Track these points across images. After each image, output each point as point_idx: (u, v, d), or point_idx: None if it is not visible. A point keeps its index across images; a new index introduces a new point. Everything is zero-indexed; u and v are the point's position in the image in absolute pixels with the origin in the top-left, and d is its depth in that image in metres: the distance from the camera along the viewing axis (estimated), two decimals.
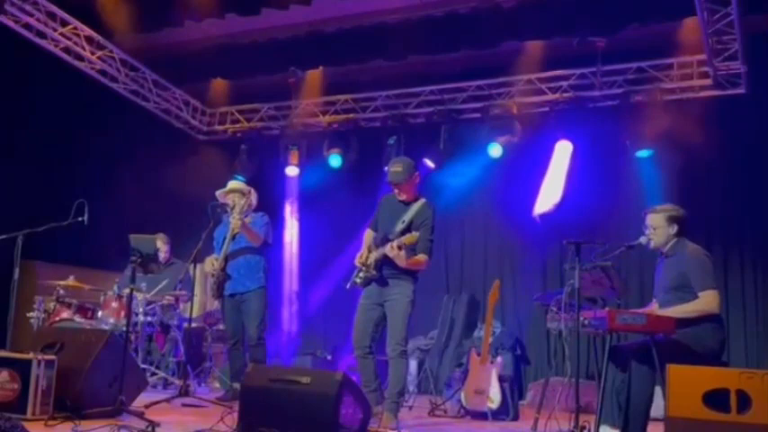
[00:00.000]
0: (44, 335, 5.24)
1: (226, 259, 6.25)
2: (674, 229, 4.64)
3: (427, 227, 5.02)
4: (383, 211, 5.31)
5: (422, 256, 5.02)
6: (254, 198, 6.50)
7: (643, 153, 8.11)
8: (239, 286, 6.28)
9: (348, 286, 5.24)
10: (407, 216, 5.09)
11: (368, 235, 5.32)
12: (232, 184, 6.57)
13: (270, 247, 6.50)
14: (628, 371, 4.35)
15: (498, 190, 9.16)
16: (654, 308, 4.69)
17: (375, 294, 5.13)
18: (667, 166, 7.92)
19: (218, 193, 6.50)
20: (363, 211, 5.59)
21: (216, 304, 8.00)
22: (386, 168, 5.17)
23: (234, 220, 6.02)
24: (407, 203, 5.18)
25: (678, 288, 4.47)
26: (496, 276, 7.80)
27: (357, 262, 5.17)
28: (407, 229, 5.01)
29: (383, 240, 5.04)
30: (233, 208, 6.27)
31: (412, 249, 4.95)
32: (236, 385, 6.16)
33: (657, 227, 4.68)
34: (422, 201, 5.19)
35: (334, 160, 9.47)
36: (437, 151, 9.08)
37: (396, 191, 5.20)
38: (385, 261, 5.02)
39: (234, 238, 6.20)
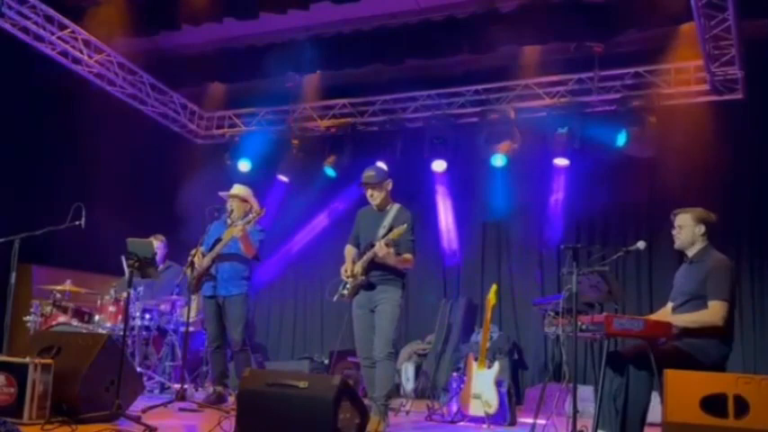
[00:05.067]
0: (41, 339, 5.21)
1: (213, 259, 6.22)
2: (701, 229, 4.59)
3: (407, 228, 5.07)
4: (362, 223, 5.44)
5: (408, 255, 5.15)
6: (255, 207, 6.47)
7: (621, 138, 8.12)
8: (222, 290, 6.23)
9: (335, 299, 5.34)
10: (386, 221, 5.22)
11: (349, 250, 5.44)
12: (236, 188, 6.53)
13: (258, 261, 6.46)
14: (625, 376, 4.34)
15: (496, 194, 9.16)
16: (667, 310, 4.68)
17: (365, 301, 5.24)
18: (665, 171, 7.92)
19: (221, 193, 6.52)
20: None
21: None
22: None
23: (238, 228, 5.99)
24: (384, 210, 5.31)
25: (698, 296, 4.40)
26: (494, 281, 7.80)
27: (343, 275, 5.27)
28: (389, 234, 5.10)
29: (368, 247, 5.16)
30: (232, 212, 6.29)
31: (397, 252, 5.04)
32: (219, 388, 6.16)
33: (684, 225, 4.64)
34: (397, 205, 5.35)
35: (329, 170, 9.50)
36: (436, 156, 9.10)
37: (368, 193, 5.33)
38: (372, 266, 5.13)
39: (227, 242, 6.16)
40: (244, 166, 9.81)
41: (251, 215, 6.05)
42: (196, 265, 6.27)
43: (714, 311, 4.29)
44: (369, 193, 5.33)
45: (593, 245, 7.87)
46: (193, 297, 6.88)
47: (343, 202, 9.36)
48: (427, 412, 6.30)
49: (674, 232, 4.71)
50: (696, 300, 4.42)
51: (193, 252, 6.30)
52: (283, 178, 9.90)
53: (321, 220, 9.73)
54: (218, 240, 6.24)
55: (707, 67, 7.64)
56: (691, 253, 4.64)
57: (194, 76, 9.60)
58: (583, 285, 4.64)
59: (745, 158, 7.96)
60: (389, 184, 5.36)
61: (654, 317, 4.66)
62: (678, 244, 4.69)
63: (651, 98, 8.14)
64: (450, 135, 9.13)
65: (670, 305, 4.71)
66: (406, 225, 4.98)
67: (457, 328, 8.71)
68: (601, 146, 8.38)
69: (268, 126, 10.26)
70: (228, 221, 6.33)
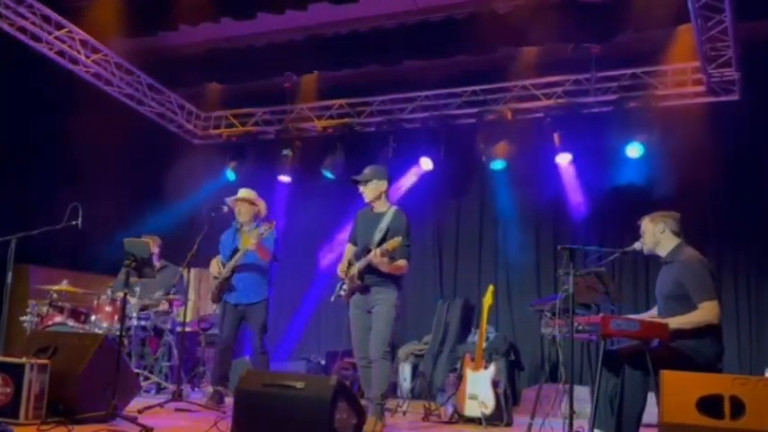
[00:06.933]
0: (37, 339, 5.20)
1: (232, 270, 6.28)
2: (661, 227, 4.63)
3: (403, 233, 5.11)
4: (360, 224, 5.47)
5: (402, 262, 5.17)
6: (263, 208, 6.54)
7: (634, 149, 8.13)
8: (244, 298, 6.31)
9: (333, 299, 5.43)
10: (383, 225, 5.23)
11: (348, 249, 5.49)
12: (243, 192, 6.60)
13: (276, 260, 6.52)
14: (621, 376, 4.35)
15: (492, 194, 9.18)
16: (652, 314, 4.69)
17: (362, 303, 5.27)
18: (662, 172, 7.93)
19: (227, 199, 6.56)
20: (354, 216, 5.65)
21: (210, 309, 7.98)
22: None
23: (252, 243, 6.03)
24: (381, 213, 5.33)
25: (675, 297, 4.44)
26: (491, 281, 7.79)
27: (340, 274, 5.33)
28: (385, 237, 5.13)
29: (364, 251, 5.19)
30: (239, 215, 6.41)
31: (392, 257, 5.07)
32: (221, 388, 6.20)
33: (645, 229, 4.73)
34: (394, 209, 5.36)
35: (327, 173, 9.53)
36: (434, 156, 9.12)
37: (361, 189, 5.37)
38: (368, 270, 5.15)
39: (244, 254, 6.20)
40: (230, 175, 9.83)
41: (263, 228, 6.07)
42: (215, 274, 6.38)
43: (707, 311, 4.30)
44: (359, 190, 5.39)
45: (590, 245, 7.88)
46: (191, 298, 6.89)
47: (339, 203, 9.36)
48: (424, 413, 6.30)
49: (641, 240, 4.74)
50: (675, 300, 4.44)
51: (190, 255, 6.32)
52: (283, 179, 9.91)
53: (318, 221, 9.71)
54: (235, 250, 6.31)
55: (704, 68, 7.66)
56: (663, 253, 4.67)
57: (192, 77, 9.59)
58: (579, 286, 4.65)
59: (741, 160, 7.96)
60: (383, 185, 5.36)
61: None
62: (645, 248, 4.73)
63: (648, 99, 8.15)
64: (447, 136, 9.14)
65: (653, 311, 4.73)
66: (400, 238, 4.98)
67: (454, 328, 8.70)
68: (597, 147, 8.40)
69: (265, 126, 10.27)
70: (238, 225, 6.45)
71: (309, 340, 9.84)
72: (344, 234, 5.73)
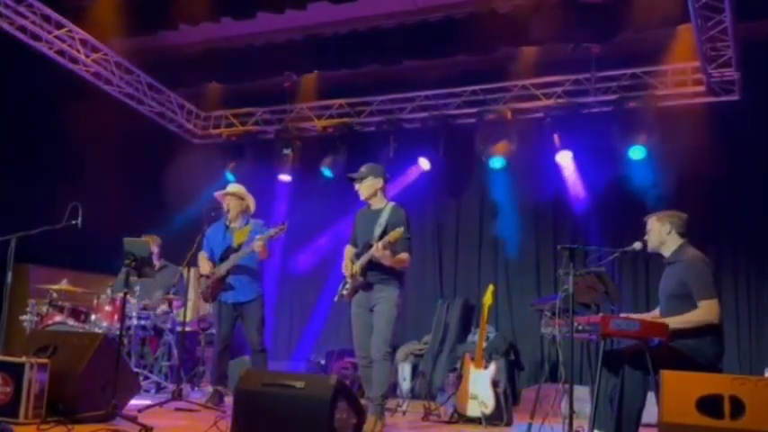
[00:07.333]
0: (37, 338, 5.20)
1: (228, 271, 6.24)
2: (667, 228, 4.64)
3: (403, 226, 5.09)
4: (359, 223, 5.48)
5: (404, 255, 5.16)
6: (251, 204, 6.51)
7: (636, 152, 8.13)
8: (241, 296, 6.28)
9: (336, 299, 5.40)
10: (382, 220, 5.24)
11: (348, 250, 5.48)
12: (231, 186, 6.57)
13: (270, 257, 6.52)
14: (621, 376, 4.35)
15: (492, 194, 9.17)
16: (654, 314, 4.69)
17: (364, 301, 5.26)
18: (662, 172, 7.93)
19: (216, 193, 6.54)
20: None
21: (209, 308, 7.97)
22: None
23: (258, 245, 6.00)
24: (379, 210, 5.34)
25: (678, 297, 4.45)
26: (491, 281, 7.79)
27: (345, 272, 5.31)
28: (385, 231, 5.14)
29: (365, 248, 5.18)
30: (228, 211, 6.35)
31: (394, 250, 5.06)
32: (221, 388, 6.20)
33: (651, 229, 4.74)
34: (391, 204, 5.38)
35: (327, 171, 9.53)
36: (434, 156, 9.12)
37: (356, 187, 5.38)
38: (370, 267, 5.14)
39: (246, 254, 6.16)
40: (230, 176, 9.82)
41: (272, 230, 6.05)
42: (207, 272, 6.31)
43: (707, 310, 4.32)
44: (355, 187, 5.40)
45: (590, 245, 7.88)
46: (190, 298, 6.88)
47: (339, 202, 9.36)
48: (424, 412, 6.30)
49: (645, 238, 4.74)
50: (677, 300, 4.45)
51: (190, 254, 6.30)
52: (284, 178, 9.90)
53: (318, 221, 9.71)
54: (228, 248, 6.27)
55: (704, 68, 7.65)
56: (667, 254, 4.69)
57: (192, 76, 9.59)
58: (579, 286, 4.65)
59: (742, 160, 7.96)
60: (379, 183, 5.36)
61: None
62: (648, 246, 4.74)
63: (648, 99, 8.15)
64: (447, 135, 9.14)
65: (654, 312, 4.73)
66: (402, 228, 4.99)
67: (453, 328, 8.71)
68: (597, 146, 8.39)
69: (265, 126, 10.27)
70: (227, 222, 6.39)
71: (309, 340, 9.84)
72: (344, 232, 5.72)
